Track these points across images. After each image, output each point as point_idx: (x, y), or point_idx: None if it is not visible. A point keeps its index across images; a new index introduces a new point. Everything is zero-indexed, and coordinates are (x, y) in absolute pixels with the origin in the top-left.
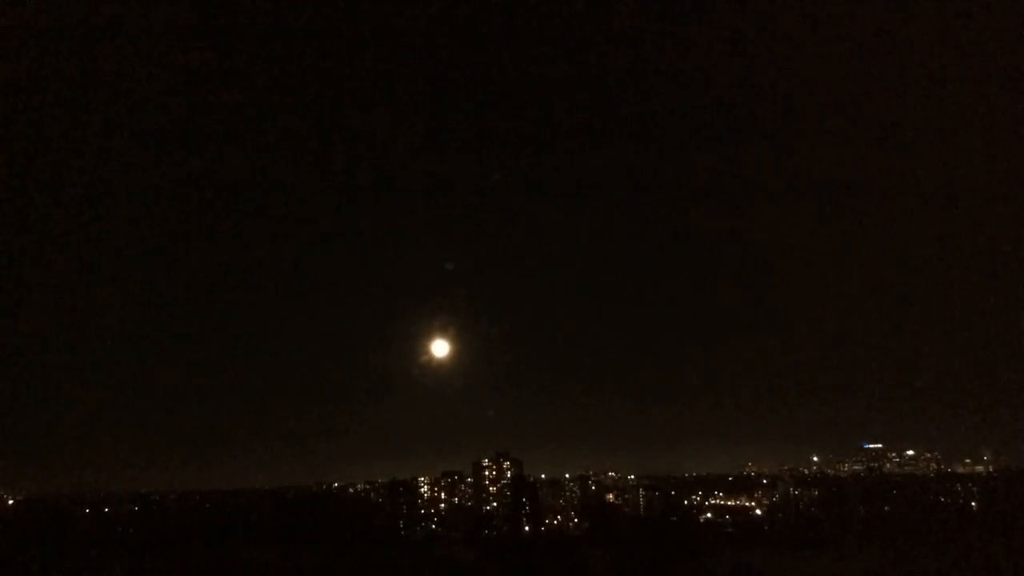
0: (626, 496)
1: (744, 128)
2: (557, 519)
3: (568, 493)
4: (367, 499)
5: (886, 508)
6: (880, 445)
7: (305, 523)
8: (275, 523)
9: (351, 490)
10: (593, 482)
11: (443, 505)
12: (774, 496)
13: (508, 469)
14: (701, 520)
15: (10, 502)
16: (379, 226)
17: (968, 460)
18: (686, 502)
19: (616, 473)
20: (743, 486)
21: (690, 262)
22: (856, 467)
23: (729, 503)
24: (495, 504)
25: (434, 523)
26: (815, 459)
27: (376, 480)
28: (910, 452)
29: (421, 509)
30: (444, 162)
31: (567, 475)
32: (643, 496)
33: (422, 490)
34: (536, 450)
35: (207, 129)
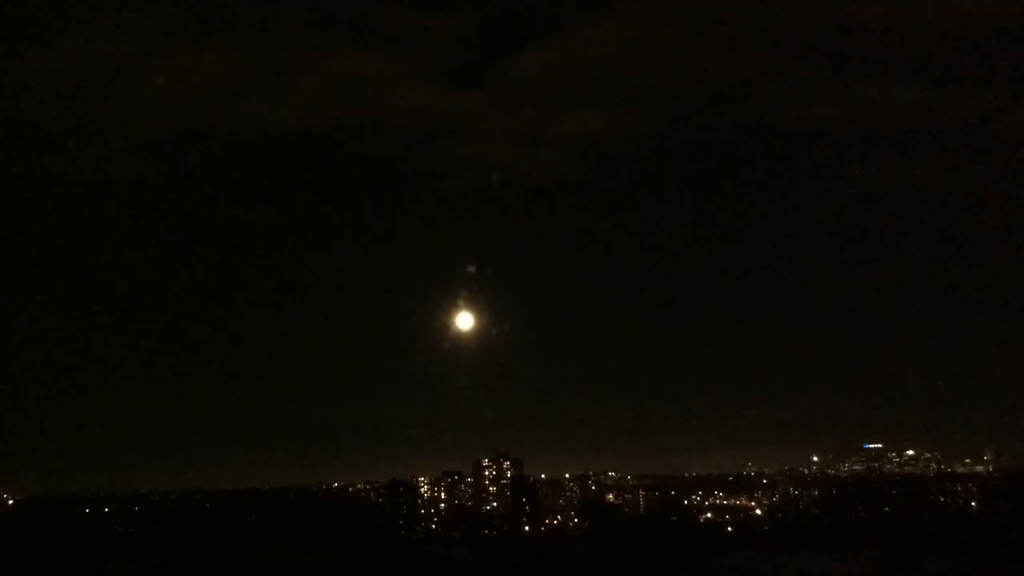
0: (626, 496)
1: (745, 127)
2: (557, 519)
3: (568, 493)
4: (367, 499)
5: (886, 508)
6: (880, 445)
7: (305, 523)
8: (275, 523)
9: (351, 490)
10: (593, 482)
11: (443, 505)
12: (774, 496)
13: (508, 469)
14: (701, 520)
15: (10, 502)
16: (380, 225)
17: (968, 460)
18: (686, 502)
19: (616, 473)
20: (743, 486)
21: (690, 262)
22: (856, 467)
23: (729, 503)
24: (495, 504)
25: (434, 523)
26: (815, 459)
27: (376, 480)
28: (910, 452)
29: (421, 509)
30: (445, 160)
31: (567, 475)
32: (643, 496)
33: (422, 490)
34: (536, 450)
35: (207, 129)
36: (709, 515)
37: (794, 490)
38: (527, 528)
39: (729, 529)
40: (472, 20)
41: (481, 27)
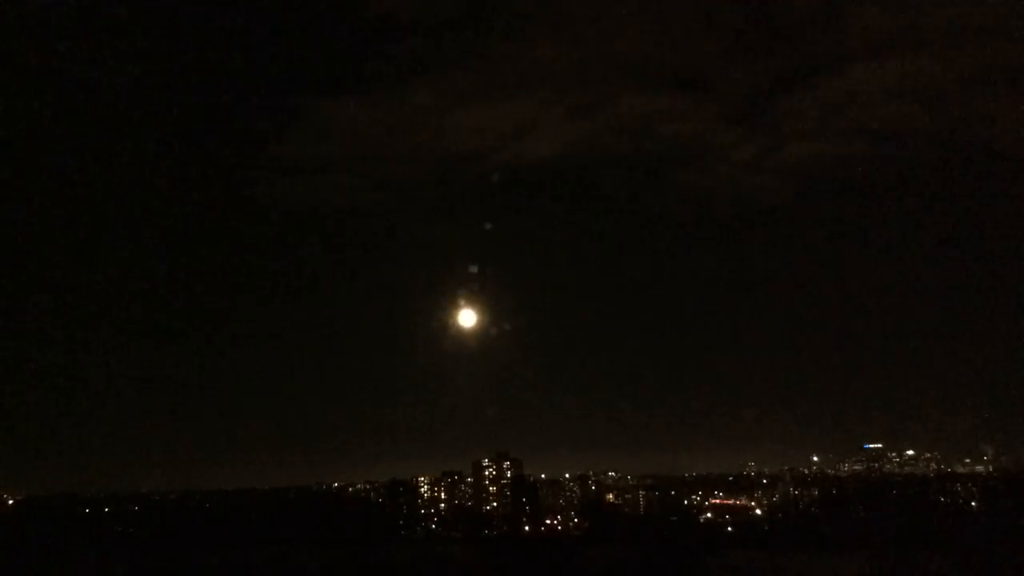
0: (626, 496)
1: (744, 126)
2: (557, 519)
3: (568, 493)
4: (367, 499)
5: (886, 508)
6: (880, 445)
7: (305, 523)
8: (275, 523)
9: (351, 490)
10: (593, 482)
11: (443, 505)
12: (774, 496)
13: (508, 469)
14: (701, 520)
15: (10, 502)
16: (380, 227)
17: (968, 460)
18: (686, 502)
19: (616, 473)
20: (743, 486)
21: (690, 263)
22: (856, 467)
23: (729, 503)
24: (495, 504)
25: (434, 523)
26: (815, 459)
27: (376, 480)
28: (910, 452)
29: (421, 509)
30: (443, 160)
31: (567, 475)
32: (643, 496)
33: (422, 490)
34: (536, 450)
35: (207, 129)
36: (709, 515)
37: (794, 490)
38: (527, 528)
39: (729, 529)
40: (771, 64)
41: (769, 68)
